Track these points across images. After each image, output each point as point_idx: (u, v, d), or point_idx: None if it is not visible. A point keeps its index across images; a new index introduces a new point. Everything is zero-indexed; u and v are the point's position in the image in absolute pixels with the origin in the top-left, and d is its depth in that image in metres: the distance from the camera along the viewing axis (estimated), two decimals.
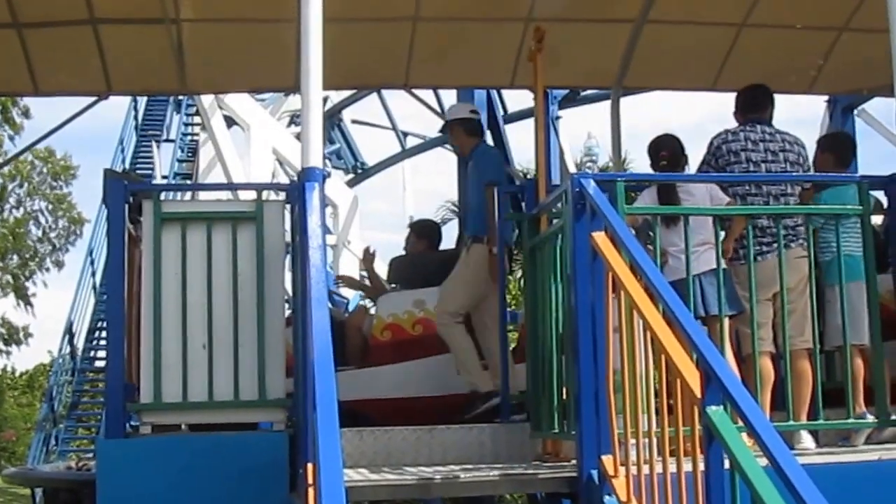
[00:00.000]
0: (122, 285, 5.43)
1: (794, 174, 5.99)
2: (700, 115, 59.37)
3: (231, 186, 10.42)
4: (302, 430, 4.72)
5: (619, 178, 4.97)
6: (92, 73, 8.21)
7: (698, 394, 3.45)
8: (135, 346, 5.51)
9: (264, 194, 5.66)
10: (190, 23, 8.00)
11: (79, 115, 8.66)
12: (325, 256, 4.13)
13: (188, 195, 12.55)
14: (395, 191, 24.61)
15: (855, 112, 12.21)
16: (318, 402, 3.15)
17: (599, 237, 4.43)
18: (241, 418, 5.38)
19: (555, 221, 5.60)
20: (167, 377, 5.24)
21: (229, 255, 5.37)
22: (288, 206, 5.48)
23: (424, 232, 8.00)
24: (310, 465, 3.90)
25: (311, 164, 4.58)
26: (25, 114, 25.30)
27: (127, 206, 5.47)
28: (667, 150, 6.08)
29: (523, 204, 6.29)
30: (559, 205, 5.20)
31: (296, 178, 19.11)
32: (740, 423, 3.32)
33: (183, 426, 5.61)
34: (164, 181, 21.33)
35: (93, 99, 8.58)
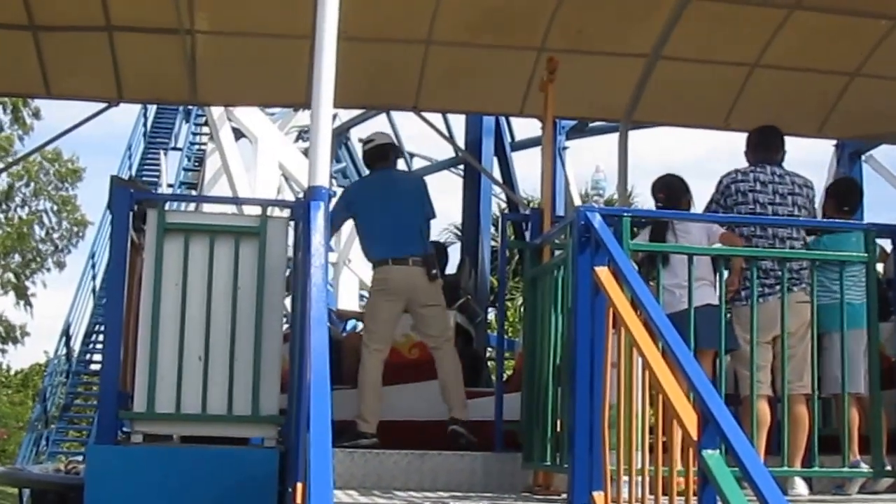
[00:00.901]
0: (122, 292, 5.43)
1: (799, 219, 5.98)
2: (704, 151, 59.41)
3: (237, 201, 10.43)
4: (293, 448, 4.70)
5: (625, 214, 4.96)
6: (104, 80, 8.23)
7: (695, 436, 3.43)
8: (131, 353, 5.51)
9: (269, 210, 5.67)
10: (204, 35, 8.02)
11: (89, 120, 8.66)
12: (326, 275, 4.12)
13: (192, 205, 12.64)
14: None
15: (863, 158, 12.22)
16: (313, 422, 3.14)
17: (602, 272, 4.41)
18: (233, 433, 5.37)
19: (557, 252, 5.59)
20: (162, 387, 5.24)
21: (230, 268, 5.38)
22: (292, 223, 5.50)
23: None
24: (299, 485, 3.87)
25: (318, 183, 4.57)
26: (36, 115, 25.36)
27: (131, 213, 5.48)
28: (663, 192, 6.24)
29: (527, 233, 6.28)
30: (563, 236, 5.19)
31: (301, 194, 19.14)
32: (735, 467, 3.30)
33: (174, 437, 5.59)
34: (170, 189, 21.41)
35: (103, 105, 8.57)
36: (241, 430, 5.38)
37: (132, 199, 5.48)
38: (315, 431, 3.15)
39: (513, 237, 10.53)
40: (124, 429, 5.44)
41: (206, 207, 8.38)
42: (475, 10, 7.89)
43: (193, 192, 21.11)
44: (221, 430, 5.31)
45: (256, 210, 5.70)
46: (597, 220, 4.58)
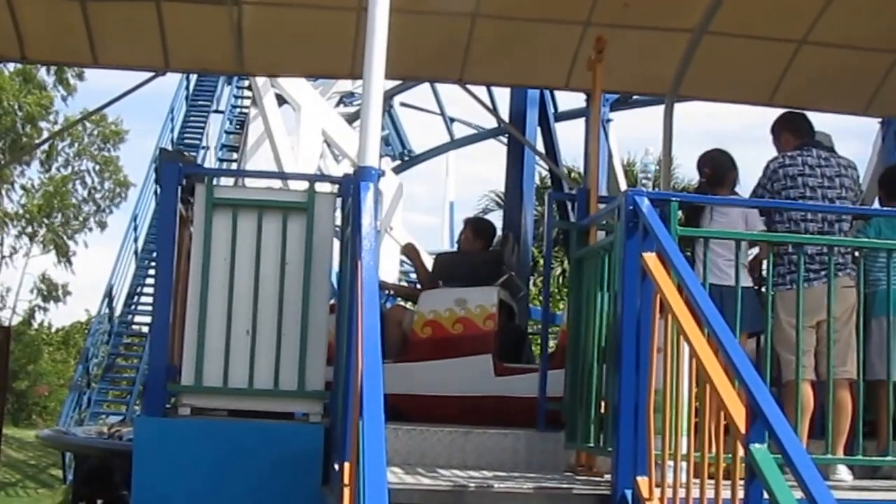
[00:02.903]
0: (171, 265, 5.50)
1: (847, 207, 5.96)
2: (752, 118, 58.39)
3: (284, 175, 10.44)
4: (339, 424, 4.75)
5: (672, 199, 4.94)
6: (151, 49, 8.27)
7: (742, 429, 3.45)
8: (179, 327, 5.58)
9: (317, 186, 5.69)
10: (251, 5, 8.02)
11: (135, 90, 8.70)
12: (377, 258, 4.15)
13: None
14: (436, 173, 24.63)
15: None
16: (366, 410, 3.18)
17: (650, 258, 4.41)
18: (279, 407, 5.45)
19: (603, 234, 5.59)
20: (209, 361, 5.32)
21: (278, 244, 5.43)
22: (339, 200, 5.52)
23: (482, 231, 7.97)
24: (346, 465, 3.92)
25: (367, 163, 4.60)
26: (80, 76, 25.49)
27: (179, 187, 5.53)
28: (709, 167, 6.24)
29: (572, 213, 6.28)
30: (610, 218, 5.19)
31: (343, 162, 19.05)
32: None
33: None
34: (213, 151, 21.54)
35: (150, 74, 8.62)
36: (287, 404, 5.45)
37: (181, 173, 5.52)
38: (368, 418, 3.19)
39: (557, 214, 10.49)
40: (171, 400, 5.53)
41: (250, 182, 8.40)
42: None
43: (235, 155, 21.24)
44: (268, 405, 5.38)
45: (303, 184, 5.72)
46: (645, 205, 4.58)
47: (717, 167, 6.31)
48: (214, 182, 5.64)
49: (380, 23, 4.76)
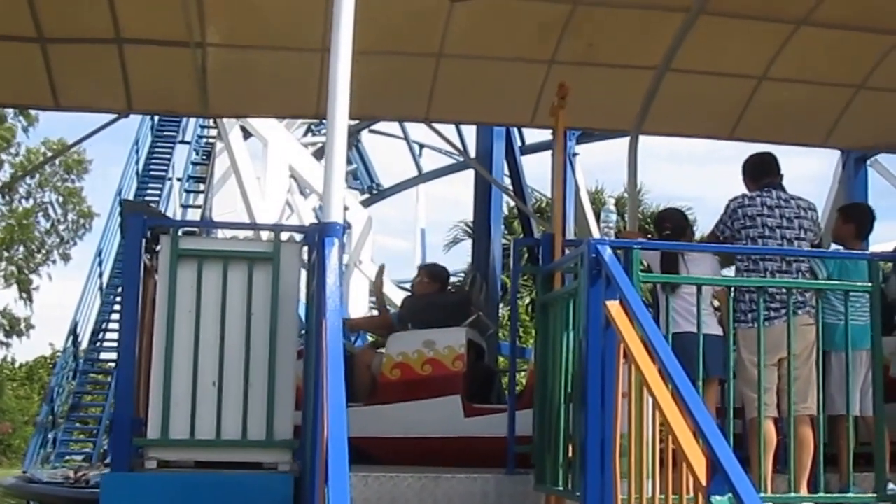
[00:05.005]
0: (136, 318, 5.46)
1: (803, 250, 6.08)
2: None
3: (249, 226, 10.47)
4: (308, 471, 4.75)
5: (634, 246, 5.00)
6: (114, 91, 8.26)
7: (703, 481, 3.49)
8: (144, 378, 5.55)
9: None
10: (214, 47, 8.04)
11: (98, 131, 8.71)
12: (341, 318, 4.17)
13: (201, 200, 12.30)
14: (407, 196, 24.63)
15: (868, 162, 12.26)
16: (332, 474, 3.20)
17: (613, 306, 4.46)
18: (247, 458, 5.40)
19: (568, 277, 5.64)
20: (176, 413, 5.27)
21: (244, 294, 5.40)
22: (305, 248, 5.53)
23: (437, 276, 8.14)
24: None
25: (332, 219, 4.61)
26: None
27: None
28: (670, 223, 6.54)
29: (539, 257, 6.34)
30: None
31: (311, 197, 18.88)
32: None
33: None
34: (178, 183, 21.43)
35: (113, 116, 8.61)
36: (255, 454, 5.41)
37: (145, 225, 5.51)
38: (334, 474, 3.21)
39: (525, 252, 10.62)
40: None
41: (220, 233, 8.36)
42: (486, 24, 7.91)
43: (202, 186, 21.15)
44: (236, 456, 5.34)
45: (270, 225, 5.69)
46: (607, 253, 4.63)
47: (677, 224, 6.60)
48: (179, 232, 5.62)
49: (342, 72, 4.78)
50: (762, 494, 5.25)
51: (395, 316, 8.14)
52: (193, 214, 20.51)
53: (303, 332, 5.83)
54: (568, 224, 8.89)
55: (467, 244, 23.49)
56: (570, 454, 5.22)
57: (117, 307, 17.72)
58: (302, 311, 5.78)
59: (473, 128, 13.47)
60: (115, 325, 17.81)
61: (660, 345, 4.06)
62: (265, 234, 6.25)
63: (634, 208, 9.69)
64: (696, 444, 3.66)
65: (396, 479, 5.64)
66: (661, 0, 7.76)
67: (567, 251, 6.03)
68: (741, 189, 6.30)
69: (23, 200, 27.63)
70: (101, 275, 19.84)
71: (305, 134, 21.10)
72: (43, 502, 10.59)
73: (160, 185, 21.35)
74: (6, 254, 27.23)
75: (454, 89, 8.48)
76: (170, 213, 17.64)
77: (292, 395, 5.39)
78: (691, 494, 3.70)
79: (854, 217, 6.76)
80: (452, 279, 10.48)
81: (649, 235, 7.21)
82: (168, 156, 22.15)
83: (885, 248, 7.19)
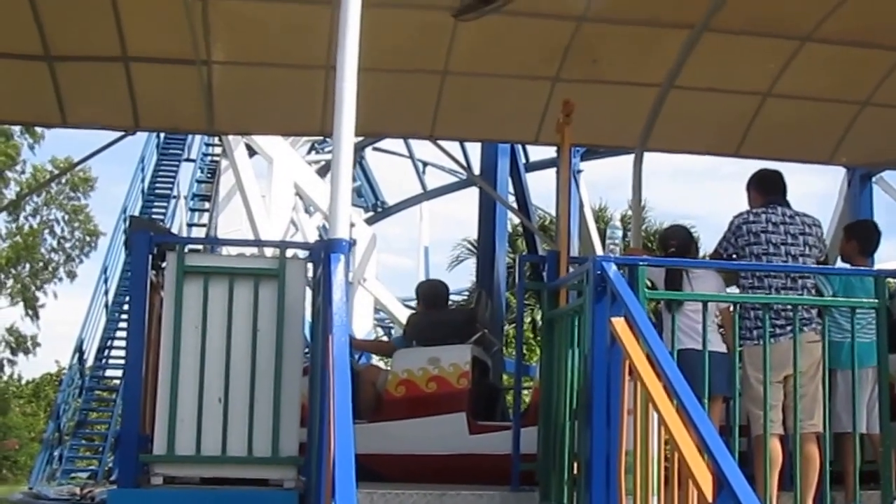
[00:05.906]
0: (142, 337, 5.48)
1: (811, 266, 6.08)
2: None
3: (254, 243, 10.48)
4: (314, 489, 4.75)
5: (640, 263, 5.01)
6: (121, 109, 8.30)
7: (709, 498, 3.49)
8: (150, 394, 5.56)
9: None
10: (220, 65, 8.09)
11: (105, 149, 8.75)
12: (348, 335, 4.18)
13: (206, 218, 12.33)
14: (411, 213, 24.70)
15: (873, 180, 12.25)
16: (338, 488, 3.20)
17: (619, 323, 4.47)
18: (253, 474, 5.41)
19: (574, 294, 5.64)
20: (182, 429, 5.29)
21: (250, 310, 5.42)
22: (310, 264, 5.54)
23: (424, 297, 8.18)
24: None
25: (338, 235, 4.63)
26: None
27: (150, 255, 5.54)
28: (675, 240, 6.49)
29: (544, 273, 6.36)
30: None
31: (316, 215, 18.90)
32: None
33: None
34: (184, 201, 21.48)
35: (119, 133, 8.64)
36: (260, 471, 5.42)
37: (151, 242, 5.53)
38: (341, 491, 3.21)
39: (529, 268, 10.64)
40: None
41: (225, 250, 8.36)
42: (491, 41, 7.94)
43: (207, 204, 21.20)
44: (241, 472, 5.35)
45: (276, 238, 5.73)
46: (612, 270, 4.64)
47: (682, 241, 6.56)
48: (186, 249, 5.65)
49: (348, 89, 4.81)
50: None
51: (399, 340, 8.15)
52: (198, 234, 20.56)
53: (307, 349, 5.85)
54: (572, 241, 8.88)
55: (470, 262, 23.50)
56: (575, 471, 5.21)
57: (123, 324, 17.78)
58: (307, 329, 5.79)
59: (478, 145, 13.48)
60: (121, 343, 17.89)
61: (665, 361, 4.06)
62: (269, 252, 6.25)
63: (638, 226, 9.71)
64: (701, 461, 3.65)
65: (402, 496, 5.63)
66: (666, 17, 7.78)
67: (571, 268, 6.05)
68: (743, 207, 6.29)
69: (29, 218, 27.73)
70: (106, 292, 19.90)
71: (309, 152, 21.16)
72: None
73: (165, 204, 21.39)
74: (13, 271, 27.27)
75: (459, 107, 8.51)
76: (175, 231, 17.68)
77: (298, 412, 5.40)
78: None
79: (858, 234, 6.76)
80: (458, 297, 10.53)
81: (653, 254, 7.23)
82: (173, 174, 22.20)
83: (892, 266, 7.20)
